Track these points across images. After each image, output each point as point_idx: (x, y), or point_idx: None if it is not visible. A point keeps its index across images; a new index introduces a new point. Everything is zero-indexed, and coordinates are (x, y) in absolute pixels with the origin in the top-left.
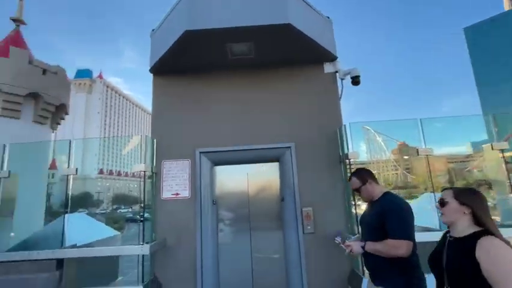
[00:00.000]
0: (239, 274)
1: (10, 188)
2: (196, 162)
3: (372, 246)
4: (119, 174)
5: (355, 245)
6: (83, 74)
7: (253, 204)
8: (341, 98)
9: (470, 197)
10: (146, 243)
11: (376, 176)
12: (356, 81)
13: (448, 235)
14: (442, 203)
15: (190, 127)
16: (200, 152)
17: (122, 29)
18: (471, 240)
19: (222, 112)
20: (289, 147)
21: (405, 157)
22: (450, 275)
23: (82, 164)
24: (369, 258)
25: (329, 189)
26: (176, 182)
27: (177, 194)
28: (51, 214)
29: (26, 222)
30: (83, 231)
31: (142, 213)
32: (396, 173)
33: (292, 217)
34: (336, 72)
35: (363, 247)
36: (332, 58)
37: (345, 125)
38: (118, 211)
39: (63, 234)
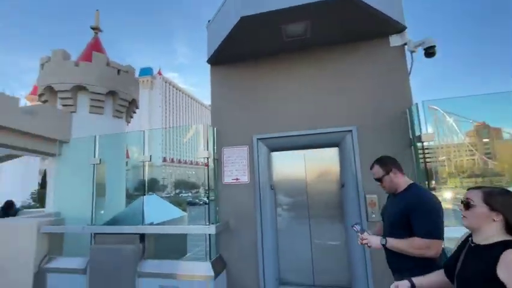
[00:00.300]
0: (299, 259)
1: (101, 173)
2: (253, 148)
3: (394, 244)
4: (179, 162)
5: (373, 240)
6: (145, 72)
7: (312, 191)
8: (410, 73)
9: (503, 201)
10: (212, 224)
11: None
12: (430, 52)
13: (469, 239)
14: (467, 205)
15: (247, 114)
16: (257, 139)
17: (176, 25)
18: (497, 250)
19: (277, 97)
20: (350, 130)
21: (485, 140)
22: (459, 283)
23: (148, 153)
24: (390, 255)
25: None
26: (236, 167)
27: (237, 179)
28: (128, 196)
29: (113, 202)
30: (157, 211)
31: (207, 197)
32: (473, 159)
33: (354, 204)
34: (405, 44)
35: (384, 244)
36: (400, 29)
37: (416, 104)
38: (180, 195)
39: (143, 213)
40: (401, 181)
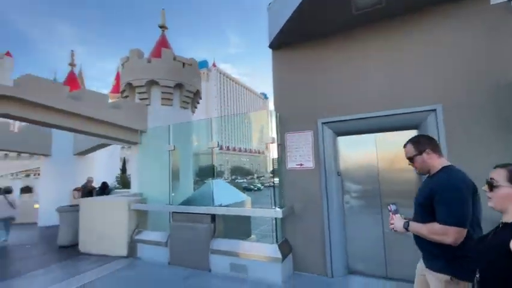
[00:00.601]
0: (369, 249)
1: (175, 158)
2: (318, 133)
3: (415, 228)
4: (234, 149)
5: (398, 222)
6: (202, 64)
7: (385, 179)
8: None
9: None
10: (279, 207)
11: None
12: None
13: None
14: (490, 186)
15: (311, 98)
16: (322, 123)
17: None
18: None
19: (346, 78)
20: (434, 110)
21: None
22: (477, 256)
23: (206, 141)
24: (417, 239)
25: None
26: (300, 153)
27: (301, 164)
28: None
29: (184, 185)
30: (224, 194)
31: (272, 182)
32: None
33: None
34: (510, 0)
35: (406, 228)
36: None
37: None
38: (236, 181)
39: (213, 195)
40: (436, 163)
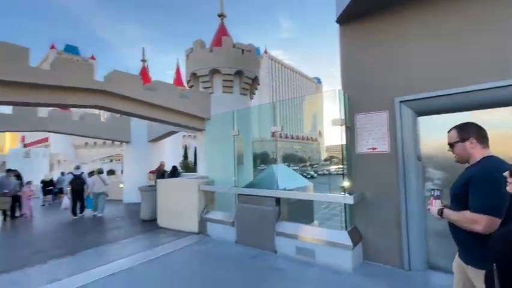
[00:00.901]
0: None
1: (239, 143)
2: (395, 113)
3: (449, 215)
4: (286, 136)
5: (434, 207)
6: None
7: None
8: None
9: None
10: (349, 194)
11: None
12: None
13: None
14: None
15: (386, 74)
16: (400, 102)
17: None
18: None
19: (425, 50)
20: None
21: None
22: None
23: (259, 129)
24: (451, 226)
25: None
26: (372, 136)
27: (374, 148)
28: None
29: (245, 169)
30: (287, 179)
31: (341, 168)
32: None
33: None
34: None
35: (440, 214)
36: None
37: None
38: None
39: (277, 179)
40: (477, 154)
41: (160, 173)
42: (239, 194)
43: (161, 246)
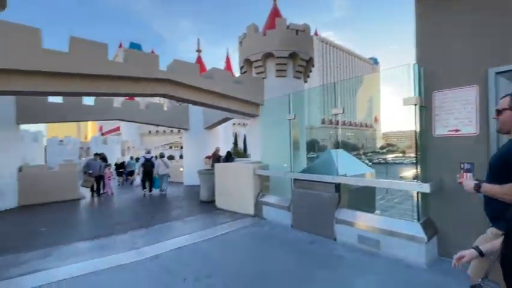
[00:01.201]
0: None
1: (294, 128)
2: (488, 87)
3: (487, 189)
4: (337, 123)
5: (468, 181)
6: None
7: None
8: None
9: None
10: (424, 182)
11: None
12: None
13: None
14: None
15: (475, 42)
16: (496, 73)
17: None
18: None
19: None
20: None
21: None
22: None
23: (308, 115)
24: (487, 202)
25: None
26: (454, 115)
27: (457, 130)
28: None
29: (299, 154)
30: (348, 165)
31: (416, 154)
32: None
33: None
34: None
35: (477, 189)
36: None
37: None
38: None
39: (336, 165)
40: None
41: (216, 158)
42: (295, 179)
43: (220, 226)
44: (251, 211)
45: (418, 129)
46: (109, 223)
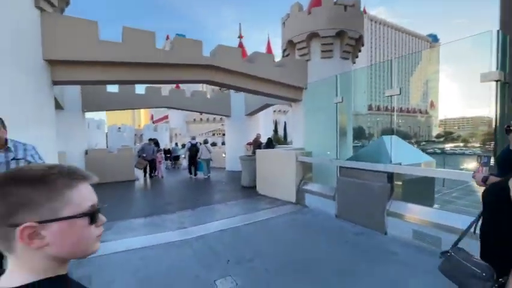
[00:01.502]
0: None
1: (342, 112)
2: None
3: (493, 181)
4: (386, 109)
5: (478, 175)
6: None
7: None
8: None
9: None
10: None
11: None
12: None
13: None
14: None
15: None
16: None
17: None
18: None
19: None
20: None
21: None
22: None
23: (354, 101)
24: None
25: None
26: None
27: None
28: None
29: (346, 141)
30: (403, 153)
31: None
32: None
33: None
34: None
35: (484, 181)
36: None
37: None
38: None
39: (390, 152)
40: None
41: (257, 145)
42: (341, 167)
43: (262, 211)
44: (293, 198)
45: (499, 111)
46: (160, 203)
